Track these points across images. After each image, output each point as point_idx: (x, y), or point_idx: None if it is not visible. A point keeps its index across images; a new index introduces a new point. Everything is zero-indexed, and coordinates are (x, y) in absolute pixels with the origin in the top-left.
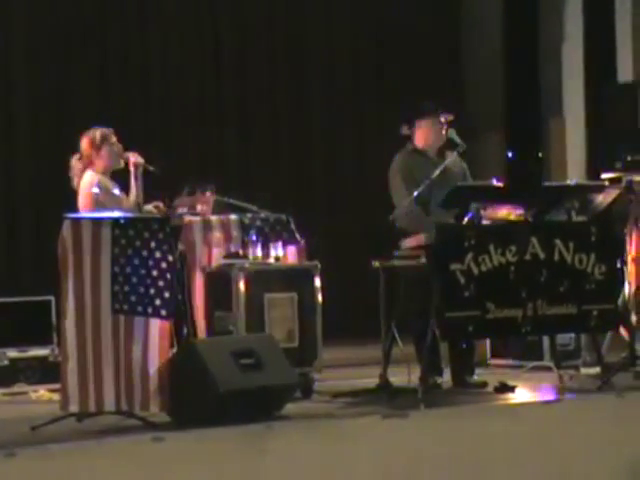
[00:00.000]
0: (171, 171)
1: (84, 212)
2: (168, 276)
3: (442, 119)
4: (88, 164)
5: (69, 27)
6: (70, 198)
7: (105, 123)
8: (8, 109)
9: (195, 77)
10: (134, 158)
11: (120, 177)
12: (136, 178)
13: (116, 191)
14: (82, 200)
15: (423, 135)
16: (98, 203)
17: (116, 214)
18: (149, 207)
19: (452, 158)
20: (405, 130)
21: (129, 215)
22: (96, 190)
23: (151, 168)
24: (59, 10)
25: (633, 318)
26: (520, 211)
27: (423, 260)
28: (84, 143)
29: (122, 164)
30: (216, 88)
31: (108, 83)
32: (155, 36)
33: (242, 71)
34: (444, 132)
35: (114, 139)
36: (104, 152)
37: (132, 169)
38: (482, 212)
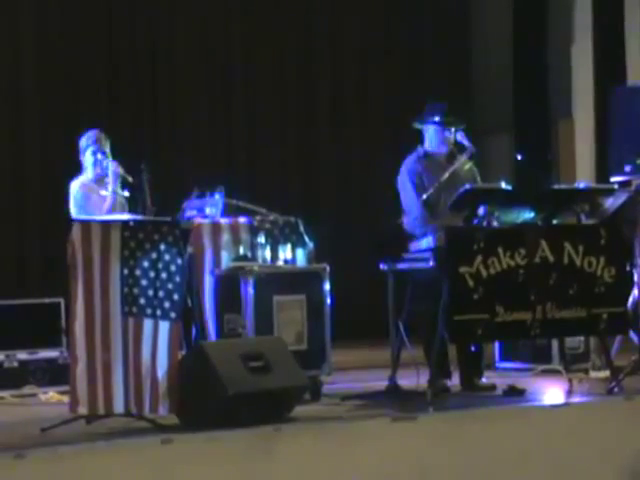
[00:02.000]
0: (180, 174)
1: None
2: (177, 279)
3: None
4: (82, 169)
5: (77, 27)
6: None
7: (115, 127)
8: (17, 111)
9: (204, 79)
10: (113, 168)
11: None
12: (114, 188)
13: (95, 196)
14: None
15: (429, 138)
16: (81, 209)
17: (125, 217)
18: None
19: (461, 161)
20: (417, 124)
21: (139, 218)
22: (78, 195)
23: (130, 179)
24: (67, 11)
25: None
26: (529, 214)
27: (432, 263)
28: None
29: (105, 172)
30: (225, 91)
31: (118, 87)
32: (165, 36)
33: (251, 73)
34: (450, 138)
35: (100, 145)
36: (86, 159)
37: (111, 179)
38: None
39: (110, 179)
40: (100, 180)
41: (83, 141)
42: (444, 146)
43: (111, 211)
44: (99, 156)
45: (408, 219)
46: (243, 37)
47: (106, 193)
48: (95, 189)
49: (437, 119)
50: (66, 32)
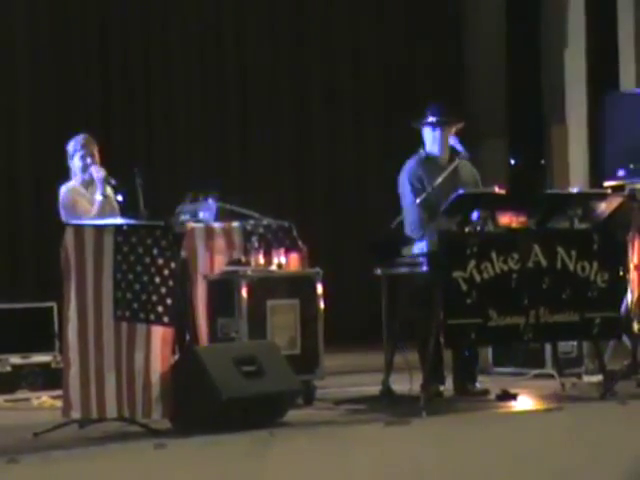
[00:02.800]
0: (174, 178)
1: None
2: (170, 283)
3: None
4: (72, 173)
5: (70, 30)
6: None
7: (109, 130)
8: (11, 113)
9: (198, 83)
10: (96, 172)
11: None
12: (102, 192)
13: (83, 201)
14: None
15: (427, 140)
16: (69, 214)
17: (118, 221)
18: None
19: (454, 165)
20: (415, 126)
21: (132, 222)
22: (66, 201)
23: (113, 182)
24: (61, 11)
25: (635, 326)
26: (522, 219)
27: (425, 267)
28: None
29: (91, 176)
30: (219, 95)
31: (112, 90)
32: (158, 37)
33: (244, 76)
34: (446, 139)
35: (88, 150)
36: (75, 164)
37: (97, 183)
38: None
39: (97, 184)
40: (89, 185)
41: (71, 146)
42: (442, 147)
43: (99, 216)
44: (87, 160)
45: (407, 222)
46: (237, 39)
47: (99, 197)
48: (84, 194)
49: (432, 120)
50: (60, 36)
